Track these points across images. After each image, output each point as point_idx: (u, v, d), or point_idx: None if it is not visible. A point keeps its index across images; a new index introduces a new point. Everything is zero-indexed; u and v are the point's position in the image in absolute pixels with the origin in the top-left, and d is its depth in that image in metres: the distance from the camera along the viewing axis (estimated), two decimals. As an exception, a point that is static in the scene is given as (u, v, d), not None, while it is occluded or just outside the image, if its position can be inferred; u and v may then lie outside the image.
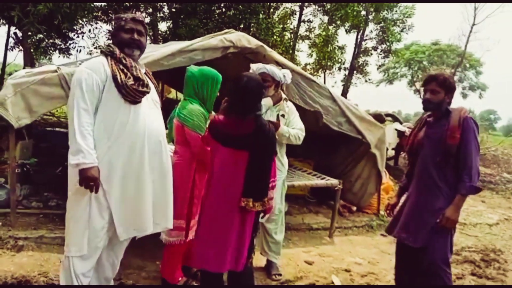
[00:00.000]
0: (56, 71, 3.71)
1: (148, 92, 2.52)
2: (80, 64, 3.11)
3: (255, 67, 3.50)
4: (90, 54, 10.95)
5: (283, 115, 3.56)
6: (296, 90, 4.57)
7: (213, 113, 2.97)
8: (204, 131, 2.79)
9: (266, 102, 3.47)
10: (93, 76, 2.36)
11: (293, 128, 3.56)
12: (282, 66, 4.83)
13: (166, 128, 2.88)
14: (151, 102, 2.63)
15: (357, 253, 4.57)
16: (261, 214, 2.77)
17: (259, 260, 3.82)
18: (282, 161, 3.64)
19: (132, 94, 2.41)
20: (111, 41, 2.64)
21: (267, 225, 3.66)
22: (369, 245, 4.91)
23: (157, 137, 2.59)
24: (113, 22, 2.56)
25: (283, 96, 3.64)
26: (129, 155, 2.47)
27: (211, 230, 2.62)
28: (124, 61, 2.48)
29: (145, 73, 2.68)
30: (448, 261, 2.95)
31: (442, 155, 2.89)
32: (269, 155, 2.64)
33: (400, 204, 3.29)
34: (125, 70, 2.45)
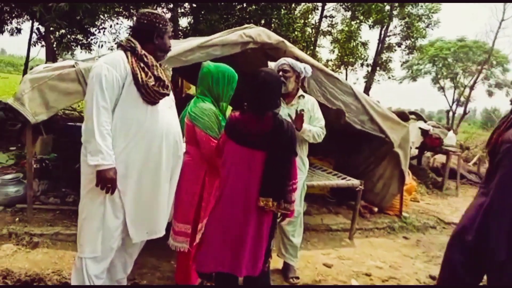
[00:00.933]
0: (73, 66, 3.68)
1: (168, 94, 2.45)
2: (98, 59, 3.06)
3: (274, 64, 3.39)
4: (111, 49, 11.02)
5: (302, 110, 3.39)
6: (318, 87, 4.43)
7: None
8: (215, 132, 2.69)
9: None
10: (113, 73, 2.26)
11: (314, 126, 3.43)
12: (303, 62, 4.72)
13: None
14: (168, 102, 2.55)
15: (378, 256, 4.42)
16: (280, 218, 2.66)
17: (276, 262, 3.72)
18: (303, 160, 3.52)
19: (152, 95, 2.33)
20: (130, 35, 2.52)
21: (285, 227, 3.54)
22: (390, 248, 4.75)
23: (174, 138, 2.53)
24: (151, 20, 2.41)
25: (300, 92, 3.51)
26: (145, 156, 2.40)
27: (226, 232, 2.51)
28: (145, 59, 2.37)
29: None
30: None
31: None
32: (288, 156, 2.51)
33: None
34: (145, 69, 2.35)
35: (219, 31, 4.75)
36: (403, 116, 5.52)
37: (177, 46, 3.99)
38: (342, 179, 4.86)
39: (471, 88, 21.05)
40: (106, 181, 2.24)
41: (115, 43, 11.30)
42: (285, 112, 3.34)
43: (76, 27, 9.26)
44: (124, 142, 2.34)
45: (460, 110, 29.96)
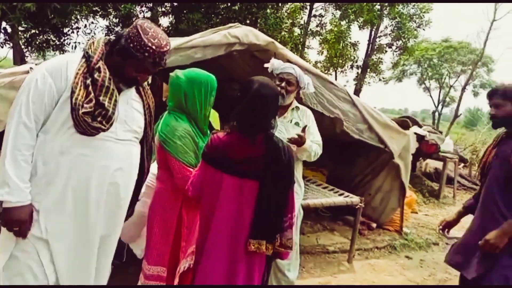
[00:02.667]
0: (28, 72, 3.10)
1: (103, 130, 1.81)
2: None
3: (278, 64, 2.86)
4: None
5: (297, 123, 2.95)
6: (314, 95, 3.92)
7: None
8: (190, 157, 2.16)
9: None
10: (48, 81, 1.74)
11: (312, 142, 2.94)
12: (295, 65, 4.23)
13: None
14: (122, 134, 1.94)
15: (382, 283, 3.94)
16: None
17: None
18: (299, 182, 3.05)
19: (82, 126, 1.76)
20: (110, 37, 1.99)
21: (278, 260, 3.03)
22: (394, 271, 4.28)
23: (117, 191, 1.95)
24: (130, 38, 1.80)
25: (294, 103, 3.04)
26: (71, 203, 1.84)
27: (212, 282, 2.00)
28: (96, 75, 1.80)
29: (139, 92, 2.06)
30: None
31: (506, 176, 2.43)
32: (285, 185, 2.01)
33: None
34: (90, 87, 1.77)
35: (201, 31, 4.26)
36: (404, 124, 5.07)
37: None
38: (340, 195, 4.39)
39: (463, 89, 20.97)
40: (13, 223, 1.73)
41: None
42: (279, 125, 2.83)
43: (47, 27, 8.62)
44: (44, 177, 1.80)
45: (445, 111, 30.07)
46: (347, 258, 4.35)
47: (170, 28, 10.28)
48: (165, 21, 10.98)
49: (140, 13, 10.60)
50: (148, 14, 10.35)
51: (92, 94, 1.77)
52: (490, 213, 2.50)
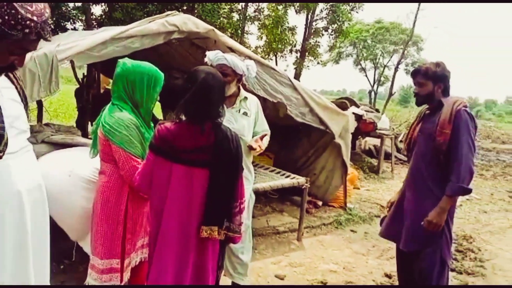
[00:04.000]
0: None
1: (1, 157, 1.46)
2: None
3: (212, 56, 2.84)
4: None
5: (245, 113, 2.95)
6: (257, 81, 3.98)
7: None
8: (136, 148, 2.14)
9: None
10: None
11: (262, 131, 3.03)
12: (236, 53, 4.24)
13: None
14: (16, 143, 1.59)
15: (330, 257, 4.14)
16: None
17: (223, 281, 3.27)
18: (249, 168, 3.08)
19: None
20: None
21: (232, 244, 3.08)
22: (341, 245, 4.51)
23: (43, 208, 1.77)
24: None
25: (243, 93, 3.02)
26: None
27: (165, 272, 2.01)
28: None
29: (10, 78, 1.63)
30: (438, 269, 2.65)
31: (432, 152, 2.60)
32: (234, 172, 2.06)
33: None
34: None
35: (138, 19, 4.15)
36: (343, 105, 5.30)
37: (87, 39, 3.32)
38: (287, 177, 4.52)
39: (396, 68, 22.02)
40: None
41: None
42: (227, 116, 2.83)
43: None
44: None
45: (381, 90, 31.42)
46: (297, 237, 4.52)
47: (104, 16, 9.83)
48: (97, 9, 10.49)
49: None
50: (79, 3, 9.81)
51: None
52: (418, 187, 2.69)
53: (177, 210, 1.99)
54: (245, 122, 2.93)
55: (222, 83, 2.05)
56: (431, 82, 2.62)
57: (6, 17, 1.30)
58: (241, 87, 3.02)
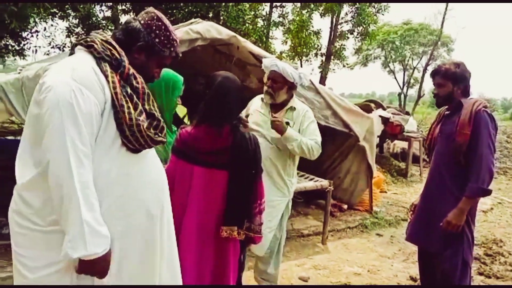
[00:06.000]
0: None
1: (164, 142, 1.64)
2: (48, 67, 2.20)
3: (267, 63, 2.84)
4: (48, 54, 10.11)
5: (287, 123, 2.83)
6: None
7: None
8: (158, 152, 2.22)
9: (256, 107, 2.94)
10: (90, 98, 1.38)
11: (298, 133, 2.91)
12: (257, 58, 4.32)
13: None
14: None
15: (355, 260, 4.13)
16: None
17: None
18: (284, 180, 2.94)
19: (142, 142, 1.51)
20: (108, 32, 1.68)
21: (258, 254, 3.02)
22: (366, 248, 4.48)
23: (168, 204, 1.76)
24: (148, 23, 1.58)
25: (293, 102, 2.93)
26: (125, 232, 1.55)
27: (186, 271, 2.08)
28: (135, 82, 1.53)
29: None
30: (460, 271, 2.64)
31: (452, 153, 2.59)
32: (253, 173, 2.12)
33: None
34: (134, 98, 1.50)
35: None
36: (367, 108, 5.27)
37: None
38: (310, 180, 4.54)
39: (424, 70, 21.64)
40: (96, 273, 1.45)
41: (51, 47, 10.34)
42: (269, 124, 2.83)
43: (5, 32, 8.37)
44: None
45: (411, 92, 30.83)
46: (321, 240, 4.52)
47: (132, 26, 10.13)
48: (126, 18, 10.81)
49: (100, 12, 10.43)
50: (108, 13, 10.19)
51: (140, 105, 1.52)
52: (438, 187, 2.68)
53: (196, 211, 2.07)
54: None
55: (237, 86, 2.12)
56: (451, 82, 2.61)
57: (162, 38, 1.59)
58: (294, 96, 2.97)
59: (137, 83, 1.54)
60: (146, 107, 1.56)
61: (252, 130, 2.89)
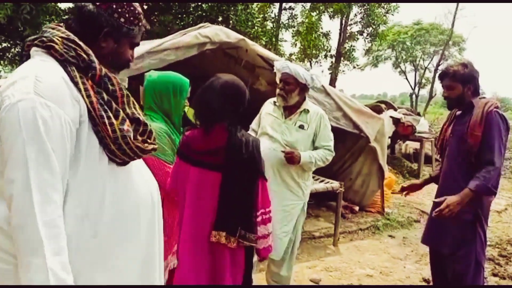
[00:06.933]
0: None
1: (155, 149, 1.47)
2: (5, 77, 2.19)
3: (279, 65, 2.85)
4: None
5: (301, 126, 2.88)
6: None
7: None
8: (168, 155, 2.22)
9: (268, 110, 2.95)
10: (61, 116, 1.14)
11: (321, 147, 2.93)
12: (266, 60, 4.34)
13: None
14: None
15: (367, 262, 4.11)
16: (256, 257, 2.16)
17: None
18: (298, 182, 2.95)
19: (130, 155, 1.33)
20: (68, 25, 1.32)
21: (275, 258, 2.98)
22: (378, 250, 4.46)
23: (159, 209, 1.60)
24: (116, 11, 1.33)
25: (306, 105, 2.95)
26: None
27: (184, 274, 2.04)
28: (110, 84, 1.30)
29: None
30: (473, 271, 2.61)
31: (463, 154, 2.57)
32: (250, 177, 2.00)
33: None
34: (112, 105, 1.29)
35: (174, 32, 4.33)
36: (377, 108, 5.25)
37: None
38: (321, 182, 4.54)
39: (436, 70, 21.47)
40: None
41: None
42: (282, 127, 2.89)
43: (19, 40, 8.52)
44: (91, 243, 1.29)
45: (423, 92, 30.61)
46: (333, 242, 4.51)
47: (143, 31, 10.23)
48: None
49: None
50: (120, 19, 10.27)
51: (121, 112, 1.31)
52: (450, 188, 2.63)
53: (190, 213, 2.01)
54: (300, 135, 2.88)
55: (232, 85, 2.02)
56: (460, 84, 2.59)
57: (128, 15, 1.36)
58: (307, 98, 2.99)
59: (113, 85, 1.31)
60: (128, 111, 1.35)
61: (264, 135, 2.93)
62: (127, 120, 1.32)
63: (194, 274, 2.00)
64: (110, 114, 1.26)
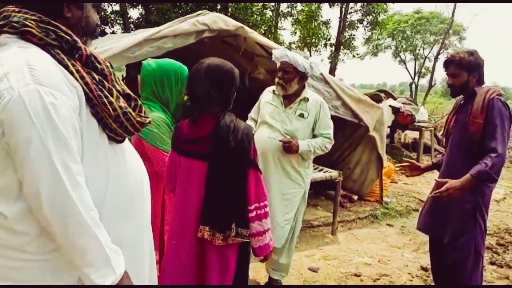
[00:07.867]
0: None
1: (150, 121, 1.46)
2: None
3: (277, 54, 2.83)
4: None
5: (301, 115, 2.87)
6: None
7: None
8: (167, 144, 2.18)
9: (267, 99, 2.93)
10: (65, 102, 1.11)
11: (320, 135, 2.94)
12: (265, 49, 4.30)
13: None
14: None
15: (365, 250, 4.12)
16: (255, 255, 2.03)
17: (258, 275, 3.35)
18: (298, 170, 2.95)
19: (131, 131, 1.34)
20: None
21: (276, 245, 2.92)
22: (376, 239, 4.47)
23: (147, 192, 1.56)
24: None
25: (305, 93, 2.93)
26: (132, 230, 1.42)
27: (172, 273, 1.97)
28: (97, 63, 1.27)
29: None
30: (472, 260, 2.62)
31: (465, 142, 2.54)
32: (238, 167, 1.86)
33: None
34: (104, 83, 1.25)
35: (172, 20, 4.30)
36: (377, 97, 5.23)
37: (123, 41, 3.48)
38: (319, 170, 4.53)
39: (436, 59, 21.40)
40: None
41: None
42: (282, 116, 2.89)
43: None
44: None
45: (423, 82, 30.55)
46: (331, 231, 4.51)
47: (141, 19, 10.17)
48: (134, 12, 10.86)
49: (108, 6, 10.46)
50: (117, 7, 10.21)
51: (114, 90, 1.28)
52: (452, 176, 2.59)
53: (179, 205, 1.96)
54: (299, 124, 2.89)
55: (217, 69, 1.89)
56: (466, 72, 2.55)
57: None
58: (306, 87, 2.98)
59: (99, 63, 1.27)
60: (119, 88, 1.31)
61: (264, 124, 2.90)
62: (121, 97, 1.30)
63: (180, 270, 1.93)
64: (107, 93, 1.24)
